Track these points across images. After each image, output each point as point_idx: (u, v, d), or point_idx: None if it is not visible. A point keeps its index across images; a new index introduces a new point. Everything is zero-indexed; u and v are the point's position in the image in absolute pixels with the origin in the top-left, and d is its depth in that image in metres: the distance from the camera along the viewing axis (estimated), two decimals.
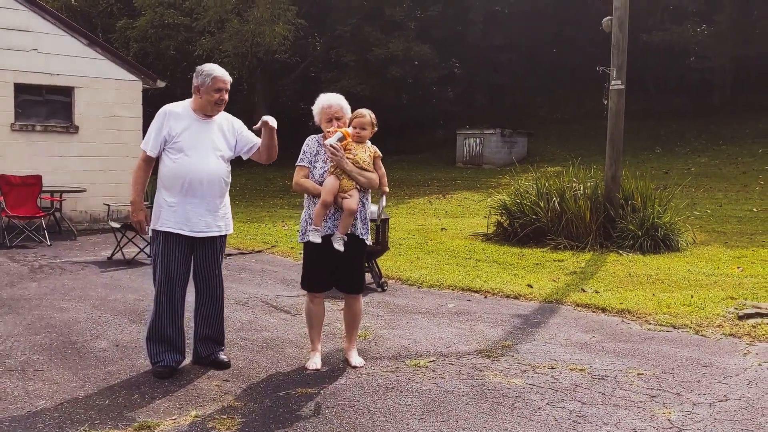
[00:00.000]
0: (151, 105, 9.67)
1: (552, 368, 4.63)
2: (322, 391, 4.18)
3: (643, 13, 27.69)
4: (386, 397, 4.08)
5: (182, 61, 29.10)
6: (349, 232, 4.52)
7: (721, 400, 4.04)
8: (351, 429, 3.63)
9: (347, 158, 4.48)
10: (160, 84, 13.07)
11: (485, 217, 13.42)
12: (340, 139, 4.44)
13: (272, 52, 22.61)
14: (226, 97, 4.63)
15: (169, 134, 4.51)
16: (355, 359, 4.70)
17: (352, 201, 4.47)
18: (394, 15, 30.45)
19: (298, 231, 4.80)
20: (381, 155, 4.69)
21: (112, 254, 9.03)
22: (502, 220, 11.34)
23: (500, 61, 33.21)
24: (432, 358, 4.85)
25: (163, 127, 4.51)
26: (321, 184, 4.52)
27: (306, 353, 4.90)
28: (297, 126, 36.17)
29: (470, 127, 27.67)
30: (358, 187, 4.53)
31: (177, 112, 4.56)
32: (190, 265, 4.62)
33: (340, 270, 4.60)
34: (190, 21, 26.76)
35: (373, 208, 4.95)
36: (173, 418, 3.78)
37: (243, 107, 32.64)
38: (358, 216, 4.56)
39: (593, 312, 6.34)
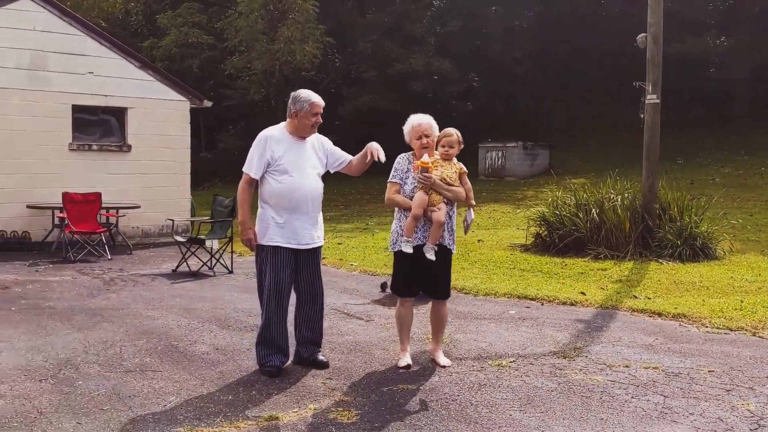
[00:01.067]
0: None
1: (627, 366, 5.01)
2: (421, 387, 4.58)
3: (671, 24, 28.07)
4: (483, 392, 4.47)
5: (209, 79, 29.81)
6: (437, 242, 4.93)
7: None
8: (460, 419, 4.02)
9: (435, 174, 4.89)
10: (207, 104, 13.59)
11: (518, 228, 13.81)
12: (424, 171, 4.84)
13: (299, 70, 23.15)
14: (320, 120, 5.05)
15: (272, 158, 4.92)
16: (443, 359, 5.10)
17: (440, 214, 4.88)
18: (414, 31, 31.00)
19: (389, 240, 5.22)
20: (467, 171, 5.10)
21: (177, 267, 9.48)
22: (540, 231, 11.69)
23: (518, 74, 33.62)
24: (512, 359, 5.23)
25: (266, 151, 4.92)
26: (411, 198, 4.94)
27: (392, 354, 5.30)
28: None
29: (492, 140, 28.07)
30: (446, 200, 4.94)
31: (276, 137, 4.98)
32: (294, 275, 5.01)
33: (429, 277, 5.00)
34: (213, 40, 27.45)
35: (469, 218, 5.33)
36: (294, 411, 4.18)
37: (268, 123, 33.35)
38: (446, 227, 4.97)
39: (650, 317, 6.71)
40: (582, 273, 9.40)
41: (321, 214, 5.13)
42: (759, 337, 5.85)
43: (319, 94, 5.15)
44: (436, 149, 5.08)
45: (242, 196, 5.00)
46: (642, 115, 11.13)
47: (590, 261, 10.25)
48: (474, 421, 3.99)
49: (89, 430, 3.86)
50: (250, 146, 5.05)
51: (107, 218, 11.56)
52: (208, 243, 9.15)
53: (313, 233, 5.00)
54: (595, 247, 10.73)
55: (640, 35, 11.23)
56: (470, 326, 6.31)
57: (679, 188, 12.54)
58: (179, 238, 9.53)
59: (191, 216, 13.28)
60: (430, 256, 4.86)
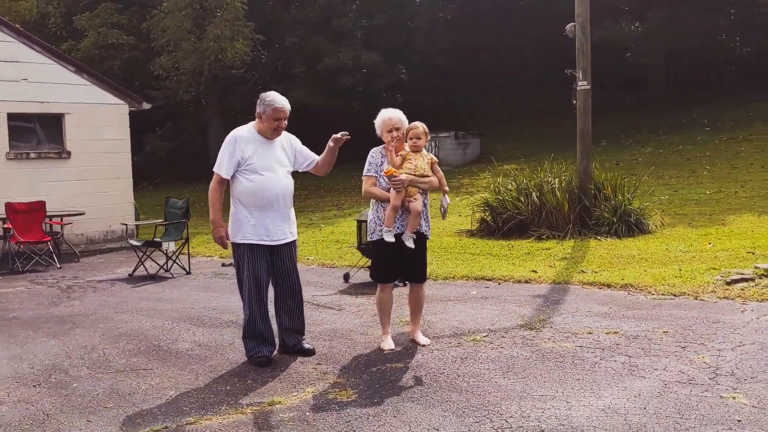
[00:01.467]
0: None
1: (590, 333, 5.44)
2: (408, 365, 4.88)
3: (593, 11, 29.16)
4: (466, 364, 4.80)
5: (133, 80, 29.19)
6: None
7: (739, 345, 4.90)
8: (452, 389, 4.34)
9: (408, 167, 5.19)
10: (146, 106, 13.48)
11: (460, 215, 14.24)
12: (392, 176, 5.10)
13: (229, 68, 23.02)
14: (284, 124, 5.19)
15: (242, 158, 5.08)
16: (422, 338, 5.41)
17: (417, 204, 5.18)
18: (342, 25, 31.18)
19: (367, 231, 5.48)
20: (437, 160, 5.42)
21: (134, 271, 9.47)
22: (485, 217, 12.16)
23: (446, 66, 34.29)
24: (484, 334, 5.59)
25: (236, 151, 5.08)
26: (387, 190, 5.21)
27: (373, 339, 5.58)
28: None
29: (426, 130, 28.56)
30: (421, 190, 5.24)
31: (245, 137, 5.14)
32: (271, 269, 5.21)
33: (407, 263, 5.29)
34: (134, 40, 26.92)
35: (445, 203, 5.60)
36: (294, 394, 4.41)
37: (197, 124, 32.95)
38: (422, 215, 5.27)
39: (599, 288, 7.20)
40: (528, 253, 9.89)
41: (293, 210, 5.33)
42: (701, 300, 6.40)
43: (248, 92, 5.31)
44: (405, 142, 5.37)
45: (213, 196, 5.16)
46: (574, 101, 11.71)
47: (534, 242, 10.77)
48: (464, 389, 4.31)
49: (101, 426, 3.99)
50: (177, 147, 5.19)
51: (51, 227, 11.37)
52: (164, 245, 9.18)
53: (285, 229, 5.19)
54: (538, 228, 11.27)
55: (568, 25, 11.81)
56: (438, 308, 6.65)
57: (606, 169, 13.26)
58: (134, 242, 9.51)
59: (135, 220, 13.18)
60: (410, 244, 5.16)
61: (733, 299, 6.31)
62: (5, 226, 10.59)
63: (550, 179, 11.91)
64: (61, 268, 10.47)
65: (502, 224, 11.71)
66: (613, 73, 30.84)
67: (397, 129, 5.28)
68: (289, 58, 31.30)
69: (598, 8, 28.95)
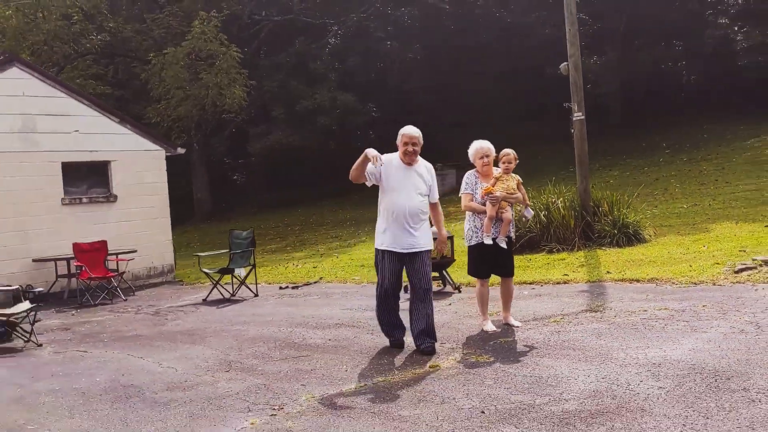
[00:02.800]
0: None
1: (645, 311, 6.87)
2: (516, 338, 6.22)
3: (545, 48, 31.45)
4: (562, 335, 6.17)
5: None
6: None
7: (764, 311, 6.39)
8: (565, 348, 5.69)
9: (501, 186, 6.59)
10: (180, 151, 14.65)
11: (462, 238, 15.64)
12: (489, 194, 6.51)
13: (224, 113, 24.28)
14: (413, 148, 6.42)
15: (382, 174, 6.31)
16: (515, 321, 6.77)
17: (508, 214, 6.59)
18: (317, 68, 32.75)
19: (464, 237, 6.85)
20: (522, 180, 6.84)
21: (207, 296, 10.60)
22: None
23: (417, 103, 36.10)
24: (560, 317, 6.98)
25: (382, 172, 6.33)
26: (482, 204, 6.59)
27: (470, 326, 6.90)
28: (226, 180, 37.66)
29: None
30: (510, 204, 6.65)
31: (389, 161, 6.41)
32: (401, 272, 6.45)
33: (499, 261, 6.67)
34: (111, 90, 27.92)
35: (528, 214, 7.03)
36: (442, 362, 5.70)
37: (180, 167, 33.91)
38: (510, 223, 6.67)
39: (630, 283, 8.67)
40: (548, 263, 11.33)
41: (425, 225, 6.38)
42: (718, 285, 7.91)
43: (228, 134, 6.43)
44: (497, 166, 6.78)
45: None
46: (572, 131, 13.35)
47: (547, 255, 12.22)
48: (575, 348, 5.67)
49: (316, 387, 5.21)
50: None
51: (117, 263, 12.35)
52: (237, 271, 10.36)
53: (411, 240, 6.37)
54: (548, 243, 12.76)
55: (562, 64, 13.50)
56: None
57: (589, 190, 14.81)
58: (208, 270, 10.65)
59: (174, 256, 14.26)
60: (503, 245, 6.55)
61: (743, 283, 7.83)
62: (76, 263, 11.60)
63: (554, 199, 13.45)
64: (126, 300, 11.51)
65: (515, 241, 13.15)
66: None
67: (488, 156, 6.69)
68: (268, 101, 32.69)
69: (561, 46, 31.26)
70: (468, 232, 6.77)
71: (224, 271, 10.47)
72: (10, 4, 24.47)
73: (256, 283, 10.86)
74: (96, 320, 9.66)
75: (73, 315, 10.33)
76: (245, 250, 10.68)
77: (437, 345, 6.23)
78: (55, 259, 12.09)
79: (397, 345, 6.38)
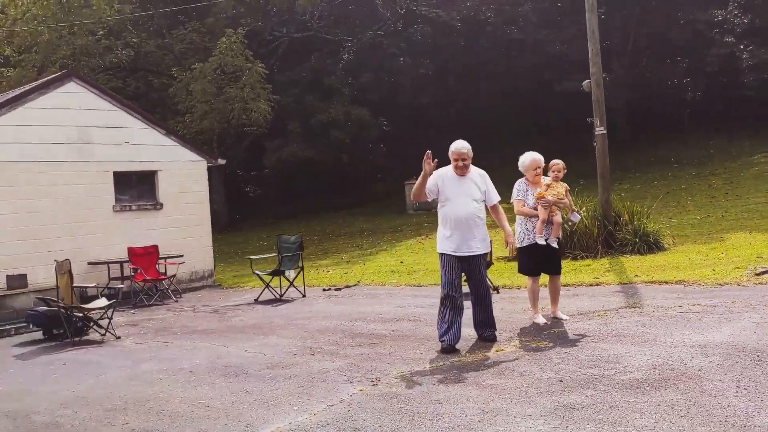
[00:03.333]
0: None
1: (680, 306, 7.60)
2: (568, 329, 6.95)
3: (552, 64, 32.39)
4: (610, 326, 6.89)
5: None
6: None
7: None
8: (617, 335, 6.41)
9: (552, 192, 7.35)
10: (221, 161, 15.42)
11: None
12: (542, 198, 7.27)
13: (242, 126, 25.10)
14: (462, 163, 7.10)
15: (439, 187, 7.10)
16: (563, 315, 7.50)
17: (558, 217, 7.34)
18: (332, 83, 33.65)
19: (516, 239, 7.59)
20: (569, 188, 7.60)
21: (259, 296, 11.32)
22: None
23: (428, 118, 36.99)
24: (603, 312, 7.71)
25: (439, 184, 7.09)
26: (534, 208, 7.35)
27: (520, 320, 7.63)
28: (240, 192, 38.40)
29: (416, 177, 30.89)
30: (559, 208, 7.40)
31: (443, 173, 7.18)
32: (461, 273, 7.14)
33: (548, 259, 7.42)
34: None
35: (575, 218, 7.78)
36: (504, 347, 6.42)
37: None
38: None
39: (659, 285, 9.40)
40: (575, 269, 12.06)
41: (482, 230, 6.99)
42: (743, 286, 8.64)
43: (246, 146, 6.99)
44: (547, 175, 7.54)
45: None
46: (594, 144, 14.14)
47: (572, 261, 12.95)
48: (625, 335, 6.41)
49: (405, 367, 5.94)
50: None
51: (165, 267, 13.08)
52: (287, 273, 11.10)
53: (470, 244, 7.02)
54: (571, 250, 13.50)
55: (585, 81, 14.31)
56: (545, 302, 8.73)
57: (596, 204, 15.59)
58: (260, 273, 11.38)
59: (213, 261, 14.98)
60: (554, 245, 7.30)
61: (766, 284, 8.58)
62: (131, 266, 12.33)
63: (576, 209, 14.19)
64: (177, 301, 12.23)
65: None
66: (583, 119, 33.96)
67: (540, 167, 7.45)
68: (284, 115, 33.54)
69: (568, 62, 32.16)
70: (520, 234, 7.51)
71: (275, 273, 11.19)
72: (40, 19, 25.33)
73: (304, 285, 11.59)
74: (158, 318, 10.38)
75: (133, 313, 11.04)
76: (294, 254, 11.41)
77: (497, 334, 6.95)
78: (109, 263, 12.82)
79: (447, 350, 6.60)
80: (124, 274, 12.56)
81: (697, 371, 4.97)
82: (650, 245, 13.14)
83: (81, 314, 8.97)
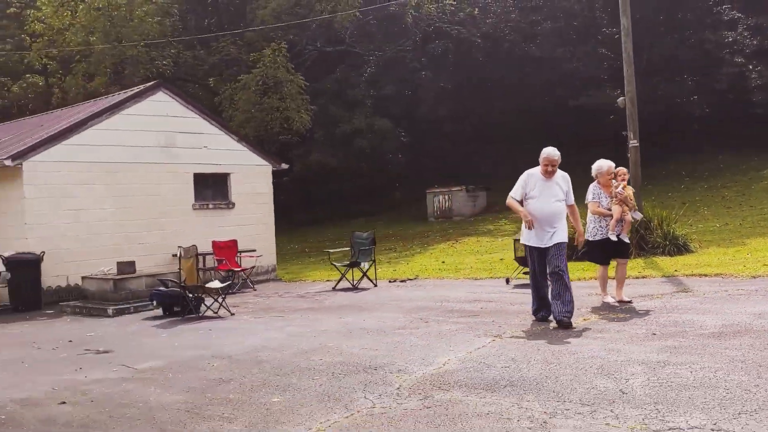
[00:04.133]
0: None
1: (726, 290, 9.00)
2: (634, 308, 8.33)
3: (565, 81, 33.90)
4: (672, 303, 8.28)
5: None
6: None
7: None
8: (680, 310, 7.80)
9: (627, 193, 8.78)
10: (284, 166, 16.82)
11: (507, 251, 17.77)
12: (616, 195, 8.70)
13: (277, 134, 26.54)
14: (551, 168, 8.41)
15: (528, 187, 8.47)
16: (627, 297, 8.90)
17: (628, 216, 8.77)
18: (355, 95, 35.17)
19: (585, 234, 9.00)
20: (634, 190, 9.03)
21: (336, 284, 12.70)
22: None
23: (445, 130, 38.48)
24: (660, 295, 9.10)
25: (527, 183, 8.48)
26: (608, 209, 8.75)
27: (589, 301, 9.02)
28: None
29: (438, 186, 32.41)
30: (629, 208, 8.84)
31: (532, 174, 8.55)
32: (542, 261, 8.48)
33: (618, 250, 8.82)
34: None
35: (637, 216, 9.20)
36: (590, 317, 7.80)
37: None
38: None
39: (699, 277, 10.79)
40: (614, 266, 13.45)
41: (562, 224, 8.29)
42: None
43: (275, 151, 8.28)
44: (614, 180, 8.96)
45: (511, 203, 8.43)
46: (629, 156, 15.58)
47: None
48: (687, 310, 7.79)
49: (515, 330, 7.31)
50: None
51: (240, 259, 14.45)
52: (363, 264, 12.47)
53: (549, 236, 8.32)
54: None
55: (620, 99, 15.81)
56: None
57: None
58: (338, 264, 12.76)
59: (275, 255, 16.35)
60: (626, 239, 8.74)
61: None
62: (216, 257, 13.70)
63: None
64: (255, 290, 13.59)
65: (577, 250, 15.31)
66: (596, 133, 35.57)
67: (615, 173, 8.89)
68: (312, 124, 35.08)
69: (579, 79, 33.72)
70: (593, 229, 8.90)
71: (352, 265, 12.57)
72: (88, 30, 26.76)
73: (376, 277, 12.96)
74: (251, 302, 11.74)
75: (223, 299, 12.38)
76: (368, 248, 12.79)
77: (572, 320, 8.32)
78: (203, 254, 14.15)
79: (541, 320, 8.09)
80: (206, 265, 13.92)
81: (761, 328, 6.37)
82: (679, 248, 14.54)
83: (200, 294, 10.33)
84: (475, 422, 4.23)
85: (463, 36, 35.89)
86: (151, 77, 29.05)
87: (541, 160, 8.40)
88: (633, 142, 15.40)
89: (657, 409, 4.25)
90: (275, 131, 24.53)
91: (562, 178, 8.52)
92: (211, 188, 15.39)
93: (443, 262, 16.99)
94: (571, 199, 8.53)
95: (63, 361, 7.23)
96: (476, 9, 35.89)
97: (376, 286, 12.70)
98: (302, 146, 35.88)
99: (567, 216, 8.47)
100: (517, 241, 12.08)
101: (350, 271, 12.74)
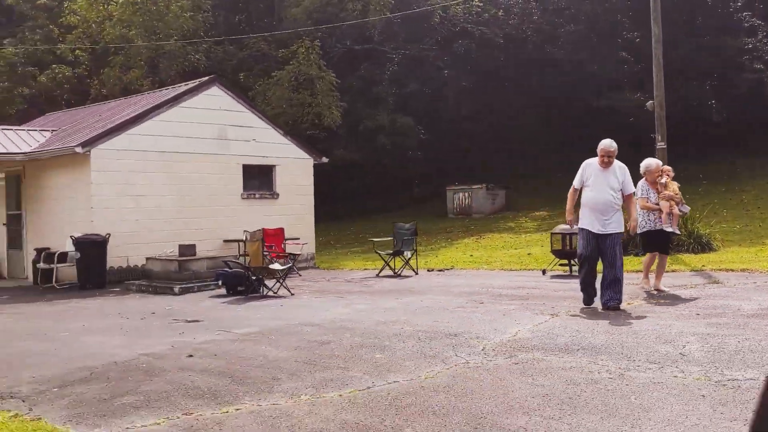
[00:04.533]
0: None
1: (755, 282, 9.75)
2: (672, 295, 9.09)
3: (584, 83, 34.58)
4: (706, 291, 9.04)
5: None
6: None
7: None
8: (715, 297, 8.56)
9: (673, 189, 9.54)
10: (324, 160, 17.64)
11: (542, 246, 18.52)
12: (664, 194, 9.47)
13: (306, 129, 27.36)
14: (607, 159, 9.01)
15: (584, 177, 9.19)
16: (664, 287, 9.66)
17: (677, 210, 9.55)
18: (379, 92, 35.97)
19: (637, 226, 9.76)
20: (680, 185, 9.80)
21: (380, 271, 13.50)
22: None
23: (465, 128, 39.23)
24: (694, 285, 9.86)
25: (585, 173, 9.19)
26: (656, 204, 9.51)
27: (631, 290, 9.79)
28: None
29: (459, 184, 33.17)
30: (676, 202, 9.61)
31: (590, 164, 9.26)
32: (597, 247, 9.20)
33: (664, 242, 9.59)
34: None
35: (685, 209, 9.97)
36: (634, 302, 8.57)
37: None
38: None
39: (726, 272, 11.53)
40: (641, 262, 14.19)
41: (617, 214, 8.95)
42: None
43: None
44: (662, 177, 9.72)
45: (569, 196, 9.20)
46: (656, 156, 16.30)
47: (634, 257, 15.10)
48: (722, 297, 8.55)
49: (567, 311, 8.09)
50: None
51: (284, 246, 15.26)
52: (405, 253, 13.28)
53: (605, 224, 9.05)
54: (634, 248, 15.65)
55: (649, 102, 16.54)
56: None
57: None
58: (382, 252, 13.57)
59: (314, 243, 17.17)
60: (677, 232, 9.53)
61: None
62: (267, 244, 14.51)
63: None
64: (301, 276, 14.40)
65: (636, 245, 16.05)
66: (615, 135, 36.20)
67: (662, 172, 9.65)
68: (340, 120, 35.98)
69: (597, 81, 34.39)
70: (642, 222, 9.66)
71: (395, 254, 13.37)
72: (125, 24, 27.64)
73: (417, 266, 13.76)
74: (303, 285, 12.55)
75: (284, 280, 13.21)
76: (410, 238, 13.59)
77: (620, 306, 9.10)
78: (239, 241, 15.01)
79: (588, 303, 8.81)
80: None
81: None
82: (702, 246, 15.27)
83: (263, 275, 11.15)
84: (562, 374, 5.01)
85: (486, 36, 36.63)
86: (186, 72, 29.96)
87: (598, 151, 8.93)
88: (660, 144, 16.14)
89: (715, 366, 5.03)
90: (303, 126, 25.34)
91: (620, 168, 8.93)
92: (258, 179, 16.22)
93: (471, 255, 17.74)
94: (629, 190, 8.86)
95: (160, 327, 8.06)
96: (500, 10, 36.61)
97: (417, 273, 13.50)
98: (327, 141, 36.79)
99: (622, 206, 8.87)
100: (554, 234, 12.88)
101: (392, 259, 13.55)
